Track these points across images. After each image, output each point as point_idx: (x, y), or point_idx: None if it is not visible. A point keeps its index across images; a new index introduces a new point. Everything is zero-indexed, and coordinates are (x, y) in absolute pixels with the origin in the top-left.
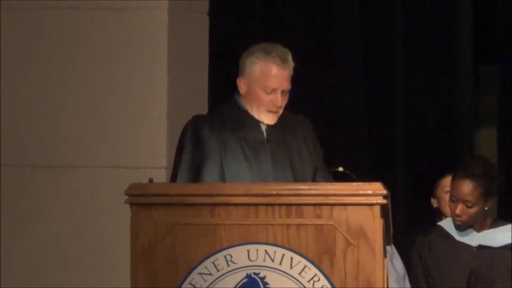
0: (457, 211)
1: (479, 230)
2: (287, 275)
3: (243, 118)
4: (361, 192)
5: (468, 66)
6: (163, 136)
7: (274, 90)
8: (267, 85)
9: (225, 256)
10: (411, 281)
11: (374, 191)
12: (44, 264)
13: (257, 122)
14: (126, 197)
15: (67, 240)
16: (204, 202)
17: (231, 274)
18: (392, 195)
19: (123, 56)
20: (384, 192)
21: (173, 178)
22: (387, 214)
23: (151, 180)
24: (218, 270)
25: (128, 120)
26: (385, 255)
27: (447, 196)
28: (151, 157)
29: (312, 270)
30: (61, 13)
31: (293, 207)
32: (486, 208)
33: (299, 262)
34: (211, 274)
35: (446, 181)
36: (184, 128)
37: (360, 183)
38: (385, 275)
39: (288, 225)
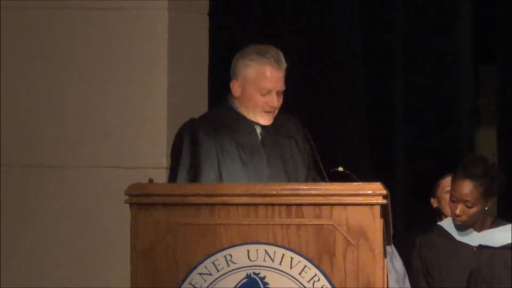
0: (457, 211)
1: (479, 230)
2: (287, 275)
3: (238, 121)
4: (361, 192)
5: (468, 66)
6: (163, 136)
7: (269, 91)
8: (262, 86)
9: (225, 256)
10: (411, 281)
11: (374, 191)
12: (44, 264)
13: (251, 126)
14: (126, 197)
15: (67, 240)
16: (204, 202)
17: (231, 274)
18: (392, 195)
19: (123, 56)
20: (384, 192)
21: (172, 180)
22: (387, 214)
23: (151, 180)
24: (218, 270)
25: (128, 120)
26: (385, 255)
27: (447, 196)
28: (151, 157)
29: (312, 270)
30: (61, 13)
31: (293, 207)
32: (486, 208)
33: (299, 262)
34: (211, 274)
35: (446, 181)
36: (179, 131)
37: (360, 183)
38: (385, 275)
39: (288, 225)
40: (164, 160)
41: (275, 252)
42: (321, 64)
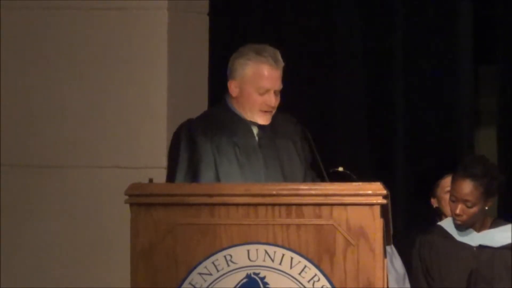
0: (457, 211)
1: (479, 230)
2: (287, 275)
3: (235, 122)
4: (361, 192)
5: (468, 66)
6: (163, 136)
7: (267, 91)
8: (260, 86)
9: (225, 256)
10: (411, 281)
11: (374, 191)
12: (44, 264)
13: (249, 127)
14: (126, 197)
15: (67, 240)
16: (204, 202)
17: (231, 274)
18: (392, 195)
19: (123, 56)
20: (384, 192)
21: (169, 181)
22: (387, 214)
23: (151, 180)
24: (218, 270)
25: (128, 120)
26: (385, 255)
27: (447, 196)
28: (151, 157)
29: (312, 270)
30: (61, 13)
31: (293, 207)
32: (486, 208)
33: (299, 262)
34: (211, 274)
35: (446, 181)
36: (176, 132)
37: (360, 183)
38: (385, 275)
39: (288, 225)
40: (164, 160)
41: (275, 252)
42: (321, 64)
